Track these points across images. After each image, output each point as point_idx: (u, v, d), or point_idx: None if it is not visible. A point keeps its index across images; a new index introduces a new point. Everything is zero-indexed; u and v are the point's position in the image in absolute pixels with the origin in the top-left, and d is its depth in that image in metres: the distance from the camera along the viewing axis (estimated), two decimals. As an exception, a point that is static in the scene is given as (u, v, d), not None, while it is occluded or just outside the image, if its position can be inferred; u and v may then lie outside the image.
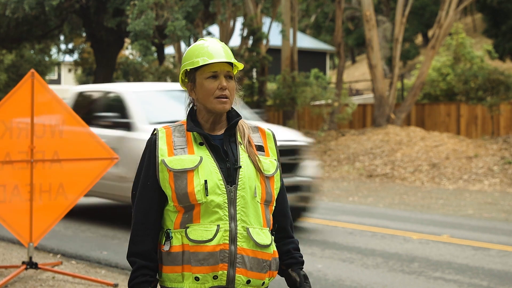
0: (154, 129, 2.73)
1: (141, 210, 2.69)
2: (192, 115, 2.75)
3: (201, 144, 2.68)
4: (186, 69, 2.72)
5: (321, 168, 17.47)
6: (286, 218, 2.84)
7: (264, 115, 13.66)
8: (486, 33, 31.25)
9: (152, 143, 2.71)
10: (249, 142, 2.73)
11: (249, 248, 2.63)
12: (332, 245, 8.67)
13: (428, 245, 8.73)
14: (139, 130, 9.29)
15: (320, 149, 20.68)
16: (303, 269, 2.81)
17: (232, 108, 2.76)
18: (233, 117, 2.75)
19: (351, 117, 23.17)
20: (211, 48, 2.68)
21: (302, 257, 2.84)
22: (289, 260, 2.80)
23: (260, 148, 2.76)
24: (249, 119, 9.55)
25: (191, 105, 2.78)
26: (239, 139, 2.74)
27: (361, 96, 32.22)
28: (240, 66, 2.74)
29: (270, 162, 2.75)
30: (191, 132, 2.70)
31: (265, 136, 2.82)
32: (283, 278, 2.84)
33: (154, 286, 2.68)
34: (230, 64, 2.71)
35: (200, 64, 2.67)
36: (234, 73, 2.75)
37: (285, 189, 2.86)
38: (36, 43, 28.01)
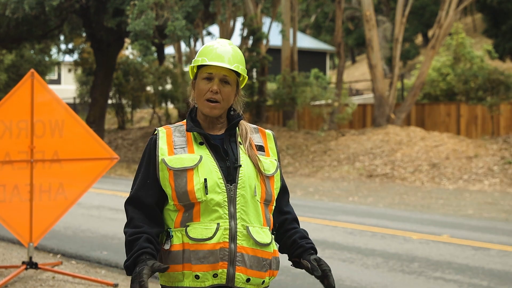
0: (155, 129, 2.75)
1: (139, 208, 2.68)
2: (192, 114, 2.76)
3: (201, 143, 2.69)
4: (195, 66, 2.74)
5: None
6: (289, 214, 2.83)
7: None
8: (486, 33, 31.25)
9: (152, 142, 2.72)
10: (250, 144, 2.74)
11: (249, 247, 2.63)
12: (332, 245, 8.66)
13: (428, 245, 8.73)
14: None
15: (320, 149, 20.67)
16: (313, 254, 2.73)
17: (233, 109, 2.77)
18: (234, 118, 2.75)
19: (351, 117, 23.17)
20: (217, 50, 2.69)
21: (310, 243, 2.77)
22: (298, 250, 2.76)
23: (261, 148, 2.78)
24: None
25: (192, 104, 2.79)
26: (239, 139, 2.75)
27: (361, 96, 32.22)
28: (243, 72, 2.73)
29: (270, 162, 2.76)
30: (191, 132, 2.71)
31: (266, 136, 2.83)
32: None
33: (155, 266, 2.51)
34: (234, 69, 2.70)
35: (199, 63, 2.69)
36: (240, 79, 2.75)
37: (287, 188, 2.86)
38: (36, 43, 28.00)
